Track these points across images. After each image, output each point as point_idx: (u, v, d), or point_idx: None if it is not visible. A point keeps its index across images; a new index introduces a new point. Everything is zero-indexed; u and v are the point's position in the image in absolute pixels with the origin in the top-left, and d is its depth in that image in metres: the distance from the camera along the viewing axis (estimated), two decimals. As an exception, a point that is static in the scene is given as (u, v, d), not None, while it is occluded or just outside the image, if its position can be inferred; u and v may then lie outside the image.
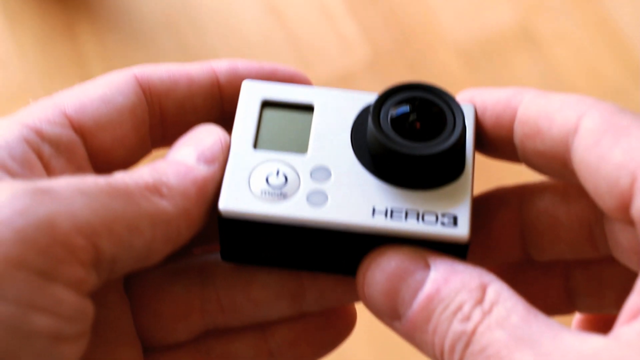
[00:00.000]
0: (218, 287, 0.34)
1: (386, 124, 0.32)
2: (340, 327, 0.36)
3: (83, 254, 0.27)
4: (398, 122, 0.32)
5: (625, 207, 0.28)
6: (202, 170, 0.31)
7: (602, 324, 0.36)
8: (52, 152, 0.31)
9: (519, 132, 0.32)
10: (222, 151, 0.32)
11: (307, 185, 0.32)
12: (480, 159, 0.35)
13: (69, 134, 0.32)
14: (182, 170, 0.31)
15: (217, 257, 0.34)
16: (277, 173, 0.32)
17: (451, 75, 0.72)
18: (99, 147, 0.33)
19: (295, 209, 0.31)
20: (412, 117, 0.32)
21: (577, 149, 0.29)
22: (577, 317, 0.37)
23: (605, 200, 0.28)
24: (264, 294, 0.34)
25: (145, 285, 0.34)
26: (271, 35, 0.75)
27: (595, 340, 0.26)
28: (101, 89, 0.33)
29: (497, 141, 0.33)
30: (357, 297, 0.33)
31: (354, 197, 0.31)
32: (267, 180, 0.32)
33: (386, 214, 0.31)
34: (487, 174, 0.46)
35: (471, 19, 0.75)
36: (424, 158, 0.31)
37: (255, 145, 0.33)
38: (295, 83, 0.35)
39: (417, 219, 0.31)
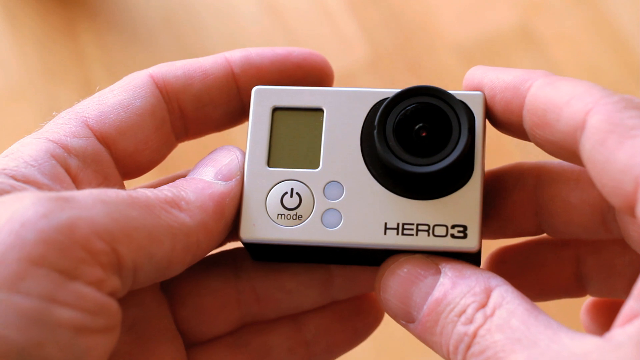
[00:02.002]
0: (252, 278, 0.36)
1: (391, 136, 0.32)
2: (370, 313, 0.38)
3: (102, 257, 0.27)
4: (403, 133, 0.32)
5: (630, 207, 0.28)
6: (220, 186, 0.32)
7: (613, 308, 0.37)
8: (79, 165, 0.32)
9: (528, 120, 0.32)
10: (238, 168, 0.33)
11: (320, 204, 0.33)
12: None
13: (93, 145, 0.32)
14: (200, 186, 0.32)
15: None
16: (292, 193, 0.33)
17: (451, 76, 0.72)
18: (123, 153, 0.33)
19: (310, 232, 0.32)
20: (417, 127, 0.32)
21: (584, 146, 0.29)
22: (588, 300, 0.38)
23: (612, 198, 0.29)
24: (295, 283, 0.36)
25: (181, 281, 0.35)
26: (271, 35, 0.75)
27: (589, 341, 0.27)
28: (119, 95, 0.34)
29: (508, 124, 0.33)
30: None
31: (366, 214, 0.32)
32: (282, 201, 0.33)
33: (397, 231, 0.32)
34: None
35: (471, 19, 0.75)
36: (430, 174, 0.31)
37: (268, 163, 0.33)
38: (311, 64, 0.36)
39: (428, 233, 0.32)
